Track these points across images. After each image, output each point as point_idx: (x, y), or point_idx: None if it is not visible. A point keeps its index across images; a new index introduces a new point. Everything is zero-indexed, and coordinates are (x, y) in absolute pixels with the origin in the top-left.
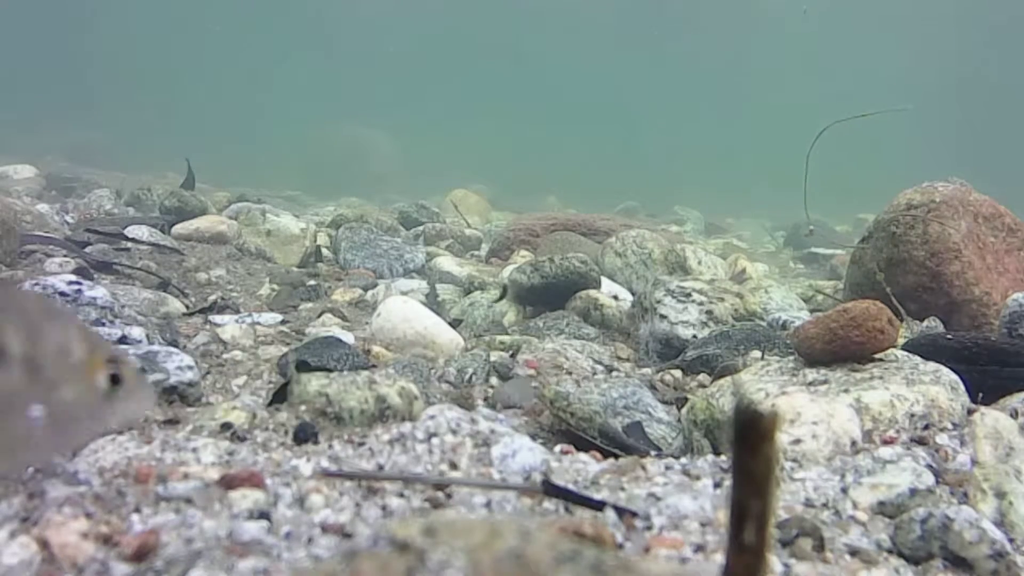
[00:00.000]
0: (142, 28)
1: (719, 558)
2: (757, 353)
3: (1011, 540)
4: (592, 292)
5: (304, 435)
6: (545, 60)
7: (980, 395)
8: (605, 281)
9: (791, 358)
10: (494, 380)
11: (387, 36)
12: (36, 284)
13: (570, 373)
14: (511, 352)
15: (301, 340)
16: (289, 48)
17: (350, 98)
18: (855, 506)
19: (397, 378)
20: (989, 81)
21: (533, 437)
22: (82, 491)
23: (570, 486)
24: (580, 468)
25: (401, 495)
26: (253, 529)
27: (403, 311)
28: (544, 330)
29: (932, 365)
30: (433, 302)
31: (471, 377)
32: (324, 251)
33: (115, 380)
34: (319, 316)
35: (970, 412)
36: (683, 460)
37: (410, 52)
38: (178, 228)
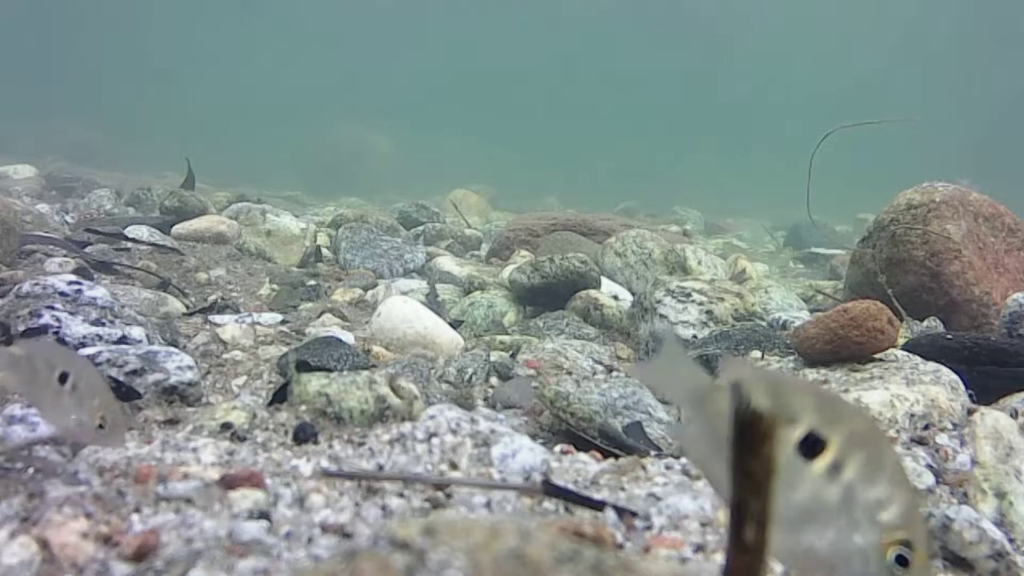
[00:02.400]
0: (143, 28)
1: (719, 558)
2: (757, 353)
3: (1011, 540)
4: (592, 292)
5: (304, 435)
6: (546, 60)
7: (971, 393)
8: (605, 281)
9: (791, 358)
10: (494, 380)
11: (388, 36)
12: (36, 284)
13: (570, 373)
14: (511, 352)
15: (301, 340)
16: (290, 48)
17: (351, 98)
18: None
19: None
20: (990, 80)
21: (533, 437)
22: (82, 491)
23: (570, 486)
24: (580, 468)
25: (401, 495)
26: (253, 529)
27: (403, 311)
28: (544, 330)
29: (932, 365)
30: (433, 302)
31: (471, 377)
32: (324, 251)
33: (902, 562)
34: (319, 316)
35: (970, 412)
36: (683, 460)
37: (410, 52)
38: (178, 228)
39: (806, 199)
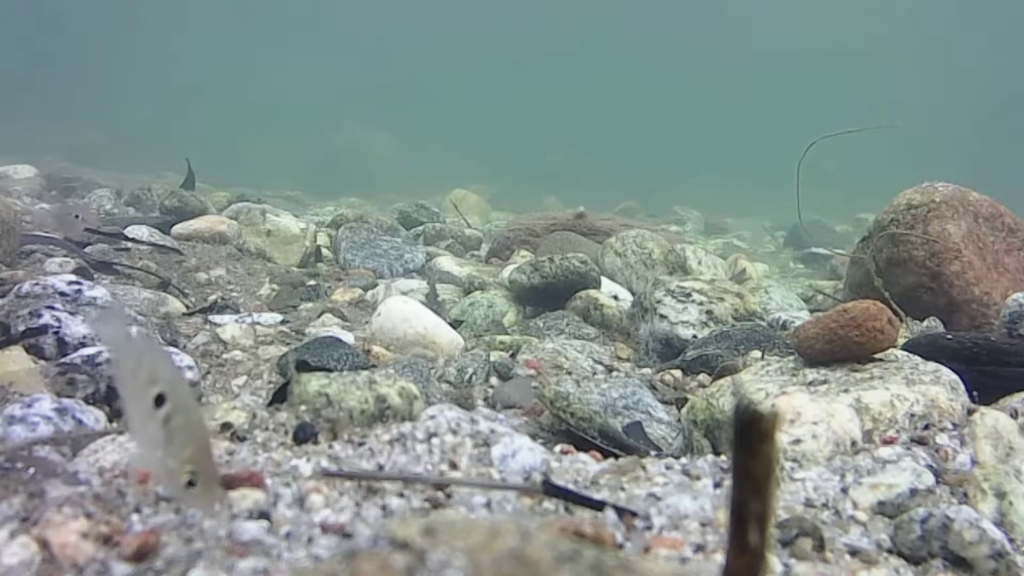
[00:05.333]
0: (143, 28)
1: (719, 558)
2: (757, 353)
3: (1011, 540)
4: (592, 292)
5: (304, 435)
6: (546, 59)
7: (975, 393)
8: (605, 281)
9: (791, 358)
10: (494, 380)
11: (387, 35)
12: (36, 284)
13: (570, 373)
14: (511, 352)
15: (301, 340)
16: (290, 47)
17: (350, 98)
18: (855, 506)
19: (397, 378)
20: (991, 81)
21: (533, 437)
22: (82, 491)
23: (570, 486)
24: (580, 468)
25: (401, 495)
26: (253, 529)
27: (403, 311)
28: (544, 330)
29: (932, 365)
30: (433, 302)
31: (471, 377)
32: (324, 251)
33: None
34: (319, 316)
35: (970, 412)
36: (683, 460)
37: (411, 51)
38: (178, 228)
39: (797, 204)
